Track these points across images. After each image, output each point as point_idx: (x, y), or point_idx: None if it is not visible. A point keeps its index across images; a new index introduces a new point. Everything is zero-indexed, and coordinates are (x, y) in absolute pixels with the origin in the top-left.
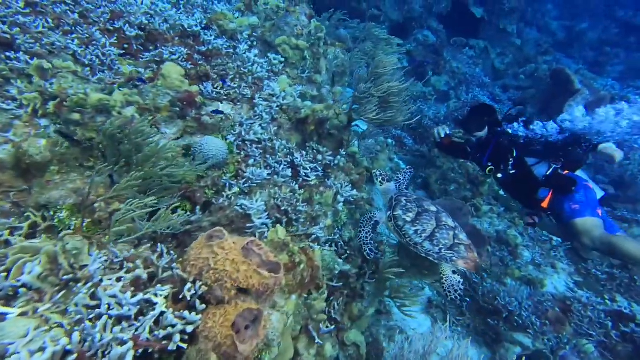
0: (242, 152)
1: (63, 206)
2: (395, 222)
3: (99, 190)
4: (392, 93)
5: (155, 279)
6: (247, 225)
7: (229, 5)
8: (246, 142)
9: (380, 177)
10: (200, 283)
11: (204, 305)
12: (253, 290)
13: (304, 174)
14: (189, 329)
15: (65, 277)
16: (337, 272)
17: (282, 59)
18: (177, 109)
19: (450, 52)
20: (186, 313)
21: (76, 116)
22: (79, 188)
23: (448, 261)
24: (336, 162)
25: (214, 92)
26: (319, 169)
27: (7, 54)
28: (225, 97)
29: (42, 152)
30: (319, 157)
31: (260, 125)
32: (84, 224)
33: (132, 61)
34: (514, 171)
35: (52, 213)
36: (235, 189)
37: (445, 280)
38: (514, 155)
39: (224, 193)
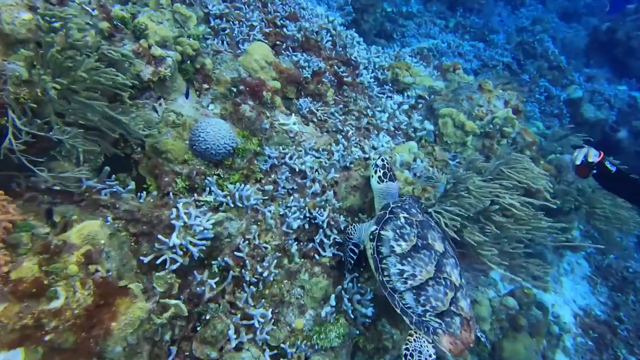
0: (273, 175)
1: None
2: (376, 245)
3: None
4: (505, 211)
5: None
6: (164, 239)
7: (430, 70)
8: (285, 166)
9: (382, 171)
10: None
11: None
12: None
13: (318, 241)
14: None
15: None
16: None
17: (432, 129)
18: (235, 89)
19: None
20: None
21: (104, 24)
22: None
23: (429, 332)
24: None
25: (307, 110)
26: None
27: None
28: (315, 121)
29: (14, 25)
30: None
31: (320, 161)
32: None
33: None
34: None
35: None
36: (209, 199)
37: (409, 343)
38: None
39: (195, 194)
